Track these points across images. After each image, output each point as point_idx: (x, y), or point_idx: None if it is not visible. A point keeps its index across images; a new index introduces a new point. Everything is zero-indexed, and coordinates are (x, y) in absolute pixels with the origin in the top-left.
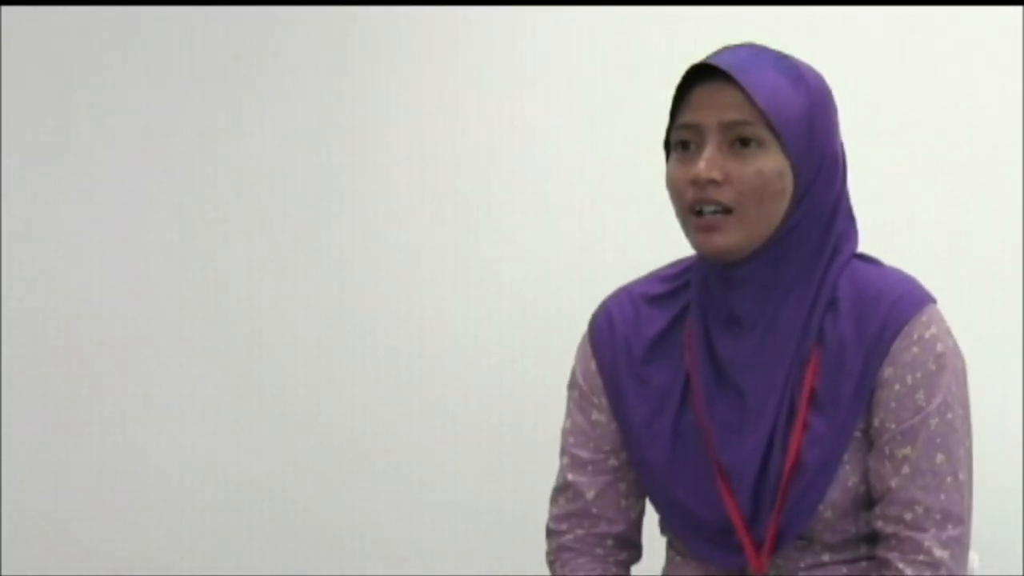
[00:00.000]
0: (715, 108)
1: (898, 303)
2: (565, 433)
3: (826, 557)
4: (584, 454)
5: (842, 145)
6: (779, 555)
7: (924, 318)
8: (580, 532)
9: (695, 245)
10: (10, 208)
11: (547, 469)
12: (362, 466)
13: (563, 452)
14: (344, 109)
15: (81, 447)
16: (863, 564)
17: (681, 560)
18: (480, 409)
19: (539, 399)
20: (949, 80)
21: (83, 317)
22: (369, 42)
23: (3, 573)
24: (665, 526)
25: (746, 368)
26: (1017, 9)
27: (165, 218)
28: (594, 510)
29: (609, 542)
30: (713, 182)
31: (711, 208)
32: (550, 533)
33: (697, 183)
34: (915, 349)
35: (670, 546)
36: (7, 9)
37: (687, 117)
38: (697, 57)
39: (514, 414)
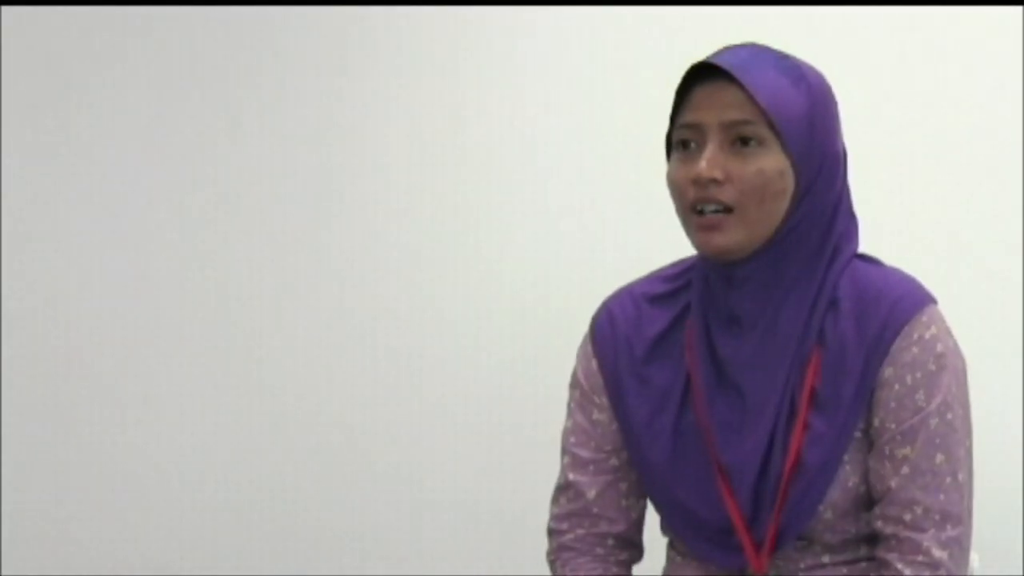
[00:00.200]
0: (716, 107)
1: (898, 303)
2: (566, 432)
3: (826, 558)
4: (585, 453)
5: (843, 145)
6: (779, 555)
7: (924, 318)
8: (581, 532)
9: (696, 244)
10: (10, 208)
11: (547, 469)
12: (362, 466)
13: (564, 451)
14: (344, 109)
15: (81, 447)
16: (863, 565)
17: (681, 560)
18: (480, 409)
19: (539, 399)
20: (948, 80)
21: (83, 317)
22: (369, 42)
23: (3, 573)
24: (665, 526)
25: (747, 368)
26: (1017, 9)
27: (165, 218)
28: (595, 510)
29: (610, 542)
30: (714, 181)
31: (712, 207)
32: (551, 532)
33: (698, 182)
34: (915, 349)
35: (671, 546)
36: (7, 9)
37: (688, 116)
38: (697, 57)
39: (514, 414)
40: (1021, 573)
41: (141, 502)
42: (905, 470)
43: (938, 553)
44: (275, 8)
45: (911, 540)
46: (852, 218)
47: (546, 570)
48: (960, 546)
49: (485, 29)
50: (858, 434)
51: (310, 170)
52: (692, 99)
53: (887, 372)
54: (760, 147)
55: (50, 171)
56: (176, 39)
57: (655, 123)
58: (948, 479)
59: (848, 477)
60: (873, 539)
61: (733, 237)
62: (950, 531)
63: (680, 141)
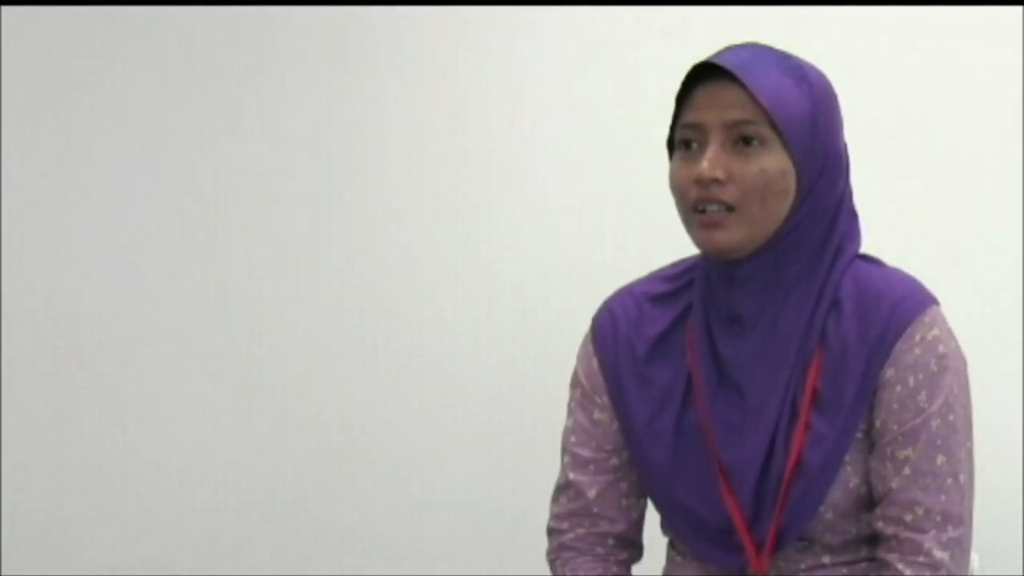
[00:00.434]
0: (718, 107)
1: (901, 304)
2: (567, 432)
3: (826, 559)
4: (585, 453)
5: (845, 145)
6: (779, 556)
7: (927, 319)
8: (581, 531)
9: (698, 242)
10: (10, 208)
11: (547, 469)
12: (362, 466)
13: (564, 451)
14: (344, 109)
15: (81, 447)
16: (863, 565)
17: (682, 560)
18: (480, 409)
19: (539, 399)
20: (949, 80)
21: (83, 317)
22: (369, 42)
23: (3, 573)
24: (666, 526)
25: (748, 368)
26: (1017, 9)
27: (165, 218)
28: (595, 509)
29: (610, 541)
30: (716, 181)
31: (714, 207)
32: (551, 532)
33: (700, 182)
34: (917, 350)
35: (671, 546)
36: (7, 9)
37: (690, 116)
38: (699, 57)
39: (514, 414)
40: (1021, 573)
41: (141, 502)
42: (906, 471)
43: (939, 554)
44: (275, 8)
45: (912, 541)
46: (854, 218)
47: (546, 570)
48: (961, 547)
49: (485, 29)
50: (859, 435)
51: (310, 170)
52: (694, 99)
53: (889, 373)
54: (762, 147)
55: (50, 171)
56: (176, 39)
57: (654, 123)
58: (949, 480)
59: (849, 478)
60: (874, 540)
61: (734, 235)
62: (951, 532)
63: (682, 141)
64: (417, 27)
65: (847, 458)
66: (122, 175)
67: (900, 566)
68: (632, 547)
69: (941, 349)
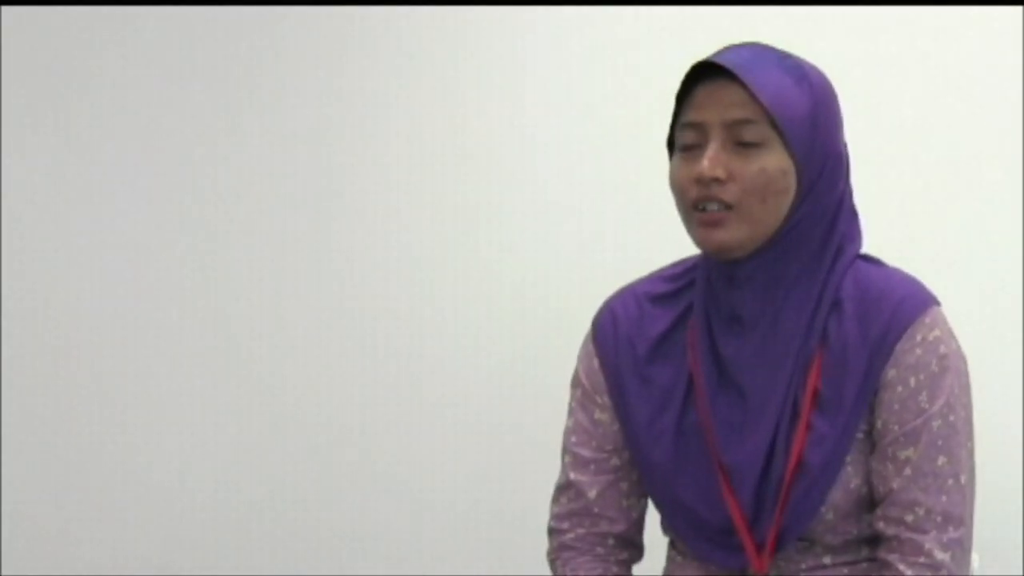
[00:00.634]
0: (718, 107)
1: (902, 305)
2: (567, 432)
3: (827, 559)
4: (586, 453)
5: (845, 145)
6: (780, 556)
7: (928, 320)
8: (581, 531)
9: (697, 241)
10: (10, 208)
11: (547, 469)
12: (362, 466)
13: (565, 451)
14: (344, 109)
15: (81, 447)
16: (864, 566)
17: (682, 560)
18: (480, 409)
19: (540, 399)
20: (947, 80)
21: (83, 317)
22: (369, 42)
23: (3, 573)
24: (666, 526)
25: (749, 368)
26: (1017, 9)
27: (164, 218)
28: (595, 509)
29: (610, 541)
30: (716, 180)
31: (714, 205)
32: (551, 532)
33: (701, 181)
34: (918, 351)
35: (671, 546)
36: (7, 9)
37: (690, 116)
38: (697, 56)
39: (514, 414)
40: (1021, 573)
41: (141, 502)
42: (907, 471)
43: (940, 555)
44: (275, 8)
45: (913, 541)
46: (855, 218)
47: (546, 570)
48: (962, 547)
49: (485, 29)
50: (860, 435)
51: (310, 170)
52: (694, 98)
53: (890, 374)
54: (762, 146)
55: (50, 171)
56: (176, 39)
57: (653, 123)
58: (950, 481)
59: (850, 478)
60: (874, 540)
61: (734, 234)
62: (952, 533)
63: (682, 140)
64: (417, 27)
65: (848, 459)
66: (122, 175)
67: (901, 566)
68: (632, 547)
69: (942, 350)
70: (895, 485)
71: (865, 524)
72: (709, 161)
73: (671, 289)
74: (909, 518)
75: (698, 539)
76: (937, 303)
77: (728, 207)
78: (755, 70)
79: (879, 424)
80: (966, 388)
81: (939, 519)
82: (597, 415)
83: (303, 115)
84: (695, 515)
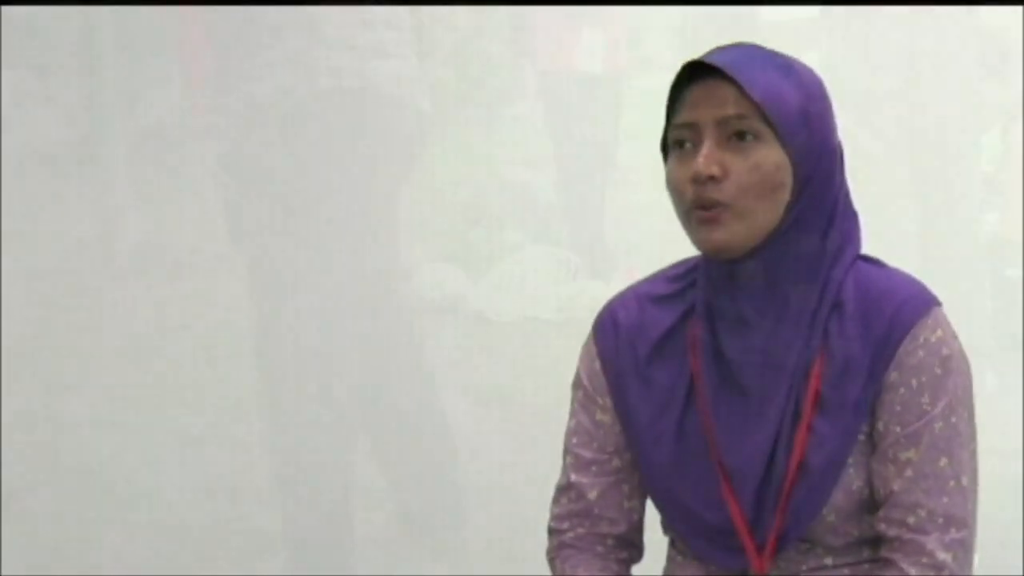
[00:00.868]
0: (710, 105)
1: (904, 306)
2: (569, 433)
3: (828, 560)
4: (587, 454)
5: (839, 142)
6: (781, 557)
7: (930, 321)
8: (581, 531)
9: (696, 242)
10: (10, 208)
11: (548, 469)
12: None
13: (566, 452)
14: None
15: (82, 447)
16: (866, 567)
17: (683, 560)
18: (479, 409)
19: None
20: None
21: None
22: None
23: (3, 573)
24: (667, 526)
25: (750, 369)
26: (1017, 9)
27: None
28: (596, 510)
29: (610, 541)
30: (712, 178)
31: (711, 204)
32: (551, 532)
33: (697, 180)
34: (921, 352)
35: (672, 545)
36: (7, 9)
37: (683, 116)
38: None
39: (517, 414)
40: (1021, 573)
41: (142, 502)
42: (909, 473)
43: (942, 555)
44: (275, 8)
45: (915, 542)
46: (853, 218)
47: (546, 570)
48: (964, 548)
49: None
50: (862, 437)
51: None
52: (686, 99)
53: (893, 375)
54: (757, 141)
55: (50, 170)
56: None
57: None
58: (952, 483)
59: (852, 480)
60: (876, 542)
61: (733, 232)
62: (954, 534)
63: (676, 141)
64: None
65: (850, 460)
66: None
67: (904, 565)
68: (632, 548)
69: (945, 351)
70: (896, 487)
71: (867, 525)
72: (704, 159)
73: (673, 290)
74: (911, 520)
75: (698, 540)
76: (939, 304)
77: (725, 205)
78: (745, 67)
79: (880, 426)
80: (968, 389)
81: (941, 521)
82: (598, 416)
83: None
84: (696, 516)
